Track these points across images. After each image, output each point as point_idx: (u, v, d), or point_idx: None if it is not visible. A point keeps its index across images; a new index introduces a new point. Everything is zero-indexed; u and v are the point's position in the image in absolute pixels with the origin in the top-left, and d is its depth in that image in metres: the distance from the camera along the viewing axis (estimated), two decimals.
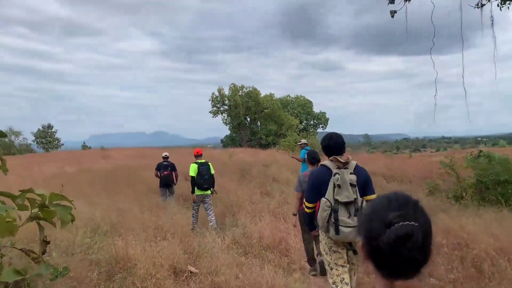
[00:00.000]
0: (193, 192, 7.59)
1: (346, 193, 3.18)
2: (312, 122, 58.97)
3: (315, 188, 3.35)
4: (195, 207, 7.71)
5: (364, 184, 3.31)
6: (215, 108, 50.40)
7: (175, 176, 10.23)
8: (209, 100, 50.13)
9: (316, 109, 58.83)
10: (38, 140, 66.10)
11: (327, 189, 3.25)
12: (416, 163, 23.80)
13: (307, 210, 3.44)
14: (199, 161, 7.72)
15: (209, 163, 7.82)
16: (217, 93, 49.87)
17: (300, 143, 10.55)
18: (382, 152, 39.23)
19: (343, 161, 3.27)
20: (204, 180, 7.52)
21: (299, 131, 49.15)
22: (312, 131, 55.57)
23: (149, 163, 14.54)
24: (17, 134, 64.83)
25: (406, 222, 0.99)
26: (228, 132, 55.71)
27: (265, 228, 6.04)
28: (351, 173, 3.25)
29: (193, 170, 7.59)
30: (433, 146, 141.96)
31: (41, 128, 66.98)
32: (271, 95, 50.31)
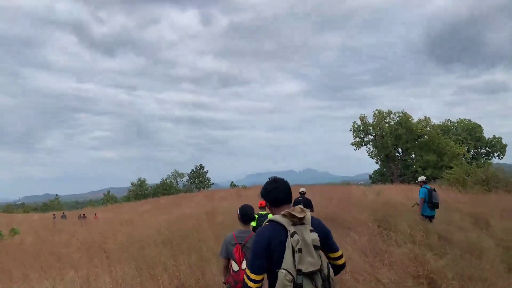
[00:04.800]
0: None
1: (309, 259, 2.31)
2: (483, 150, 47.62)
3: (264, 253, 2.42)
4: None
5: (324, 240, 2.48)
6: (357, 139, 44.38)
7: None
8: (350, 131, 44.54)
9: (487, 135, 47.47)
10: (191, 180, 70.29)
11: (281, 255, 2.35)
12: None
13: (252, 285, 2.40)
14: (261, 212, 7.79)
15: (269, 215, 5.69)
16: (359, 122, 43.99)
17: (418, 180, 9.76)
18: None
19: (300, 216, 2.41)
20: None
21: (468, 161, 39.39)
22: (484, 161, 44.37)
23: None
24: (181, 175, 71.14)
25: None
26: (376, 167, 48.86)
27: None
28: (311, 231, 2.41)
29: (253, 222, 7.74)
30: None
31: (194, 169, 71.25)
32: (426, 119, 41.89)
